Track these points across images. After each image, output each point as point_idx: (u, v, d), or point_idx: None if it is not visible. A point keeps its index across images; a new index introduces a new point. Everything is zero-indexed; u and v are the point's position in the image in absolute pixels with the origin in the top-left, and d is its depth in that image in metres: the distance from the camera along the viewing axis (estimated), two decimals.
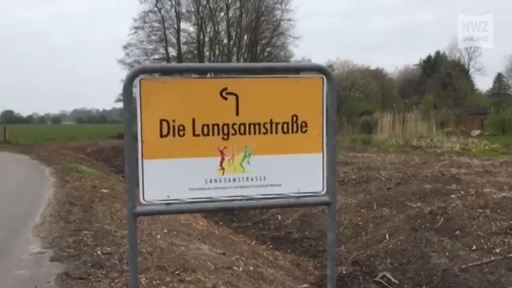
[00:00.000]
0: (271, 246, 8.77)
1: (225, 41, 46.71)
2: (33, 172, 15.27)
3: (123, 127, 2.65)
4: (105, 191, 10.87)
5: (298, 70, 3.25)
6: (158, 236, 6.71)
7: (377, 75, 57.72)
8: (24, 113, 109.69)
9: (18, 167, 16.81)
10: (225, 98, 2.75)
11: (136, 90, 2.66)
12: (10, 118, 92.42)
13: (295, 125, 2.84)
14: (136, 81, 2.64)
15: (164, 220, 7.82)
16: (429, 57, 63.42)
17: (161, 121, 2.69)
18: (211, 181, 2.78)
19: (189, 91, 2.75)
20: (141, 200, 2.71)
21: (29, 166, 17.20)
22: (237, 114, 2.77)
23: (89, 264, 5.18)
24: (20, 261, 5.49)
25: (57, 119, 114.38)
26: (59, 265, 5.25)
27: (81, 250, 5.77)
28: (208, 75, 3.07)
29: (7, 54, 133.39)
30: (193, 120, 2.72)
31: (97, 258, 5.41)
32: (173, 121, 2.70)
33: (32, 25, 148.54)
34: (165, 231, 7.24)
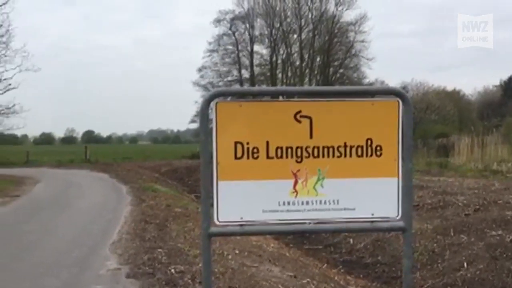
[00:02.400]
0: (342, 270, 8.60)
1: (298, 63, 46.83)
2: (111, 191, 15.89)
3: (199, 148, 2.71)
4: (179, 210, 11.11)
5: (373, 93, 3.21)
6: (230, 257, 6.76)
7: (454, 96, 55.80)
8: (104, 133, 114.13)
9: (97, 186, 17.56)
10: (299, 121, 2.76)
11: (212, 113, 2.72)
12: (90, 138, 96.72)
13: (369, 148, 2.80)
14: (212, 104, 2.70)
15: (236, 241, 7.87)
16: (510, 78, 60.70)
17: (235, 143, 2.73)
18: (284, 203, 2.78)
19: (263, 114, 2.78)
20: (215, 221, 2.76)
21: (107, 185, 17.92)
22: (311, 137, 2.77)
23: (163, 282, 5.30)
24: (98, 276, 5.71)
25: (134, 139, 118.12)
26: (135, 282, 5.41)
27: (155, 267, 5.92)
28: (280, 98, 3.09)
29: (89, 77, 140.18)
30: (267, 142, 2.75)
31: (171, 276, 5.53)
32: (248, 143, 2.73)
33: (112, 49, 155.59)
34: (237, 251, 7.28)
